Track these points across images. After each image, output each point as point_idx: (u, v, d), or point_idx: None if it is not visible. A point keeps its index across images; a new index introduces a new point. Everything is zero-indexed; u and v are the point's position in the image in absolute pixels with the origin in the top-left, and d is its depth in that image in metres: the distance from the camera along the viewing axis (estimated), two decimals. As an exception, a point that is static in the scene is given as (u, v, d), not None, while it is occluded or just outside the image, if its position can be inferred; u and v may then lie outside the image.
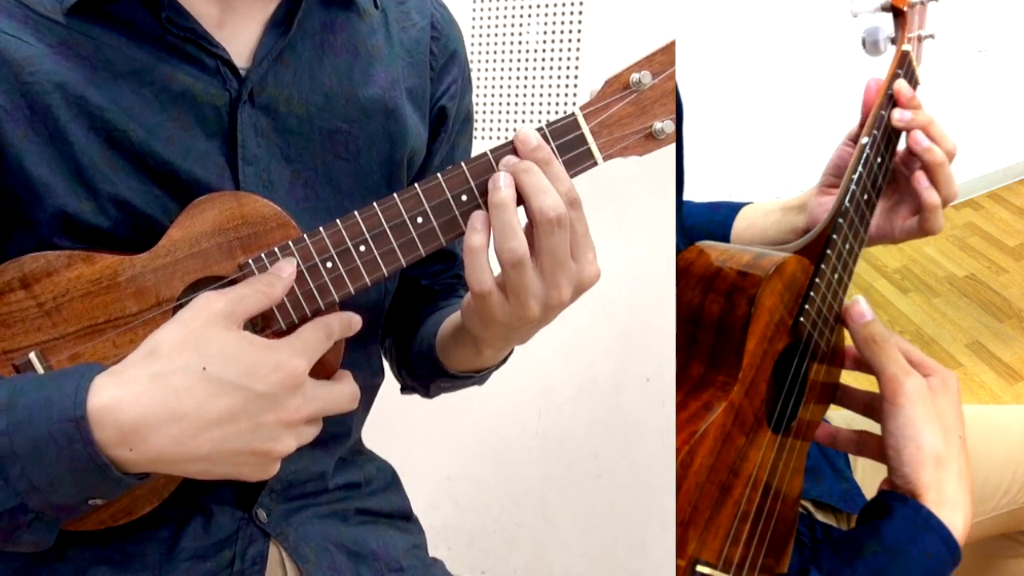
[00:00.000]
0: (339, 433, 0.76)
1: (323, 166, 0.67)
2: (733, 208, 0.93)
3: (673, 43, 0.60)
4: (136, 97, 0.59)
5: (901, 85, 0.77)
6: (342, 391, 0.60)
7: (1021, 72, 2.50)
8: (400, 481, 0.87)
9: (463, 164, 0.58)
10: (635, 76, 0.60)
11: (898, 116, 0.76)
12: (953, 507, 0.62)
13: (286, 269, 0.58)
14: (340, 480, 0.77)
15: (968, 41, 2.36)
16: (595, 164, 0.61)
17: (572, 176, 0.60)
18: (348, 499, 0.77)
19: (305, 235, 0.58)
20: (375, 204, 0.58)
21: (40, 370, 0.57)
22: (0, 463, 0.50)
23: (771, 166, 2.30)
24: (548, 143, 0.59)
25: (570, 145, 0.60)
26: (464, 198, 0.59)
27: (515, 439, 1.58)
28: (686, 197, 0.99)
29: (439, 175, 0.58)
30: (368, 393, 0.80)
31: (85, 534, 0.60)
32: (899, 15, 0.83)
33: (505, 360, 0.75)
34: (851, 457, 0.93)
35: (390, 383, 0.83)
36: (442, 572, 0.84)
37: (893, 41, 0.83)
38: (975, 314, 2.21)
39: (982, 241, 2.47)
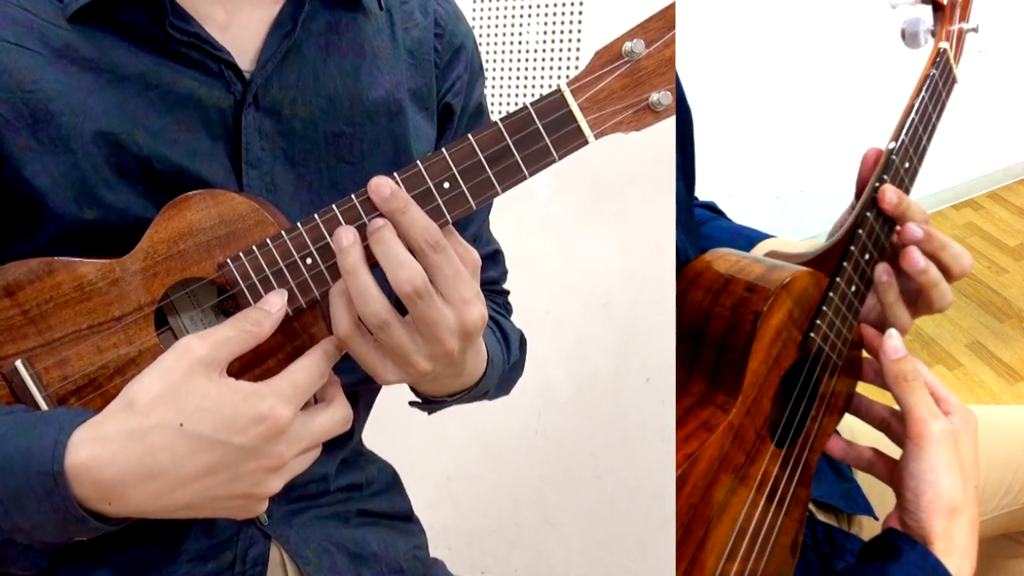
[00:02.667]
0: (340, 435, 0.75)
1: (327, 170, 0.66)
2: (751, 240, 0.89)
3: (671, 7, 0.55)
4: (140, 100, 0.59)
5: (887, 190, 0.69)
6: (332, 419, 0.57)
7: (1021, 72, 2.50)
8: (401, 482, 0.86)
9: (443, 150, 0.56)
10: (627, 45, 0.54)
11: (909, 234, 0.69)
12: (962, 556, 0.62)
13: (276, 303, 0.56)
14: (342, 481, 0.77)
15: (968, 41, 2.36)
16: (585, 143, 0.56)
17: (561, 157, 0.56)
18: (349, 500, 0.77)
19: (283, 231, 0.57)
20: (352, 196, 0.56)
21: (26, 377, 0.57)
22: None
23: (773, 165, 2.29)
24: (533, 123, 0.55)
25: (557, 124, 0.55)
26: (447, 185, 0.56)
27: (515, 439, 1.58)
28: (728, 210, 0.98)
29: (418, 162, 0.55)
30: (367, 395, 0.80)
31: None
32: (939, 8, 0.79)
33: (478, 390, 0.69)
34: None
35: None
36: (442, 572, 0.84)
37: (934, 33, 0.79)
38: (975, 314, 2.21)
39: (982, 241, 2.47)
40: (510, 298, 0.88)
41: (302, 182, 0.65)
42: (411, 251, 0.54)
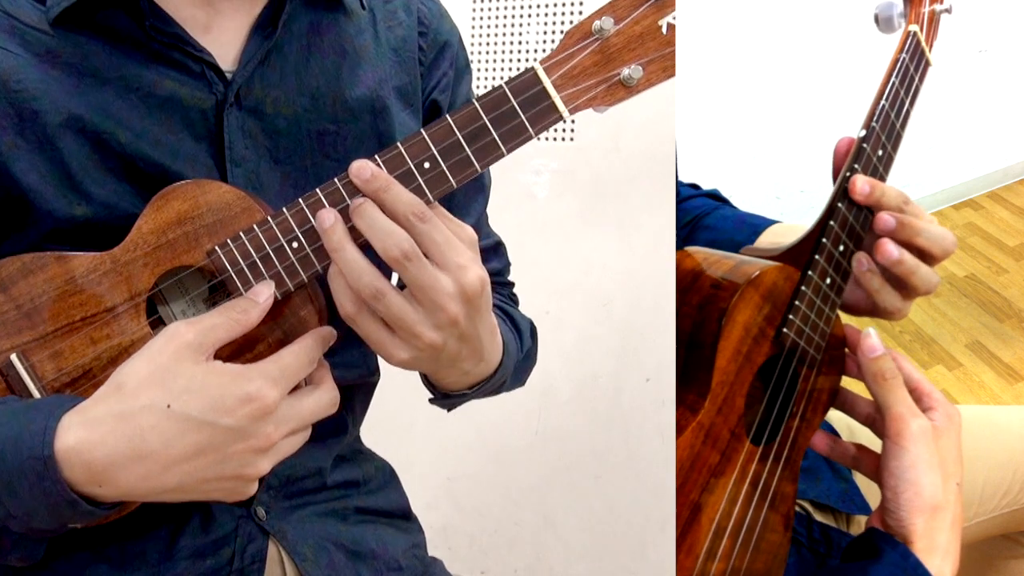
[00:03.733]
0: (334, 428, 0.75)
1: (313, 167, 0.67)
2: (755, 228, 0.87)
3: None
4: (123, 102, 0.60)
5: (857, 180, 0.67)
6: (319, 401, 0.58)
7: (1021, 72, 2.50)
8: (399, 480, 0.87)
9: (421, 130, 0.57)
10: (597, 23, 0.56)
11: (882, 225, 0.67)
12: (944, 556, 0.61)
13: (263, 293, 0.57)
14: (339, 478, 0.77)
15: (968, 41, 2.36)
16: (560, 118, 0.57)
17: (537, 133, 0.57)
18: (347, 497, 0.77)
19: (269, 217, 0.57)
20: (335, 180, 0.56)
21: (21, 370, 0.57)
22: None
23: (773, 165, 2.30)
24: (509, 101, 0.56)
25: (532, 101, 0.56)
26: (427, 165, 0.57)
27: (515, 439, 1.58)
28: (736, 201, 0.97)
29: (398, 143, 0.56)
30: (365, 391, 0.80)
31: (83, 532, 0.60)
32: None
33: (496, 380, 0.68)
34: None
35: (390, 383, 0.83)
36: (441, 572, 0.84)
37: (907, 16, 0.76)
38: (975, 314, 2.21)
39: (982, 241, 2.47)
40: (511, 296, 0.88)
41: (287, 179, 0.66)
42: (383, 257, 0.54)
